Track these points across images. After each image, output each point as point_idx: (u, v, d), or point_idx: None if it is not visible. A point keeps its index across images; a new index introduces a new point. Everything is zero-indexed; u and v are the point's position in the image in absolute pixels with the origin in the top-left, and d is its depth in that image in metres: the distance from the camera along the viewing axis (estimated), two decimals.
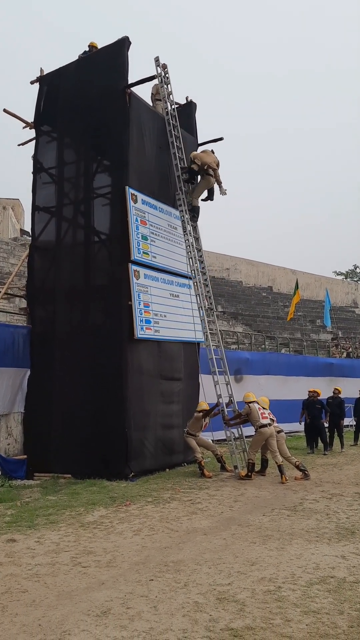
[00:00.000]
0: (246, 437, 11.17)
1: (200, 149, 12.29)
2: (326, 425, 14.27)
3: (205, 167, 11.31)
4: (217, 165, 11.57)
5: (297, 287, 21.58)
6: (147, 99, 11.85)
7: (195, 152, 11.63)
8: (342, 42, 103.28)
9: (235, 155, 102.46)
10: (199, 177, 11.61)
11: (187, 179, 11.65)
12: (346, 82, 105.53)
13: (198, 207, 11.89)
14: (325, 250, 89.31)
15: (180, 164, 11.62)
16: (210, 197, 11.94)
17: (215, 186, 11.77)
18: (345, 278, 51.49)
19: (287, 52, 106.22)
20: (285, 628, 3.73)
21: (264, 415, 9.91)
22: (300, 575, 4.80)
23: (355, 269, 54.56)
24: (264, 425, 9.80)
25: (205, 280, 11.61)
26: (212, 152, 11.81)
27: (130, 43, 10.68)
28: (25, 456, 10.62)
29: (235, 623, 3.83)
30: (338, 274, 53.17)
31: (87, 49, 11.69)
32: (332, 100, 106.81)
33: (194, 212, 11.78)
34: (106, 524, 6.76)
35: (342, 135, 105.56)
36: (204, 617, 3.94)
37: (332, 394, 14.81)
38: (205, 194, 11.87)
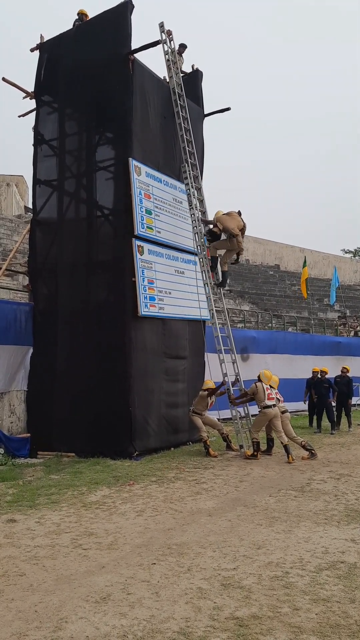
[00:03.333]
0: (252, 415, 10.99)
1: (224, 208, 11.13)
2: (333, 404, 14.09)
3: (229, 232, 10.54)
4: (243, 229, 10.75)
5: (305, 264, 21.18)
6: (151, 66, 11.35)
7: (219, 215, 10.76)
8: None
9: (242, 130, 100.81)
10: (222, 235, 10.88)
11: (208, 237, 10.96)
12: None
13: (217, 258, 11.13)
14: (333, 229, 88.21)
15: (186, 136, 11.20)
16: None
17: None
18: (354, 256, 50.73)
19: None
20: (293, 617, 3.54)
21: (270, 396, 9.69)
22: (308, 560, 4.61)
23: None
24: (269, 406, 9.61)
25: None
26: (239, 213, 10.93)
27: (133, 6, 10.22)
28: (28, 434, 10.50)
29: (241, 611, 3.64)
30: (346, 252, 52.41)
31: (77, 17, 11.20)
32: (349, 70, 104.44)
33: (213, 262, 11.08)
34: (109, 504, 6.60)
35: (353, 107, 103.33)
36: (208, 605, 3.75)
37: (340, 373, 14.59)
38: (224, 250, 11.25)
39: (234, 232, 10.54)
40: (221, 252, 11.22)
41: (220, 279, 11.22)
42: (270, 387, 9.91)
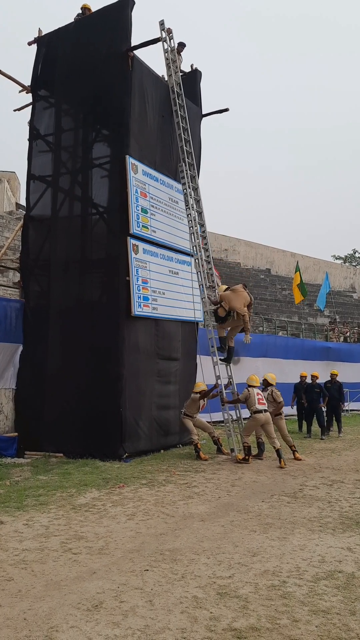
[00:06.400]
0: (244, 419, 10.89)
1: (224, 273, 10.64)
2: (324, 409, 14.06)
3: (235, 312, 10.09)
4: (249, 305, 10.23)
5: (297, 269, 21.14)
6: (150, 64, 11.23)
7: (224, 292, 10.39)
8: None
9: (236, 134, 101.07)
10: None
11: (213, 314, 10.58)
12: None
13: (225, 338, 10.64)
14: (325, 234, 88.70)
15: (184, 135, 11.10)
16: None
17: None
18: (344, 262, 51.03)
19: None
20: (293, 630, 3.42)
21: (260, 401, 9.60)
22: (305, 568, 4.50)
23: (355, 253, 54.09)
24: (259, 411, 9.53)
25: (208, 257, 11.18)
26: (245, 287, 10.46)
27: (134, 3, 10.10)
28: (16, 434, 10.30)
29: (239, 622, 3.51)
30: (337, 258, 52.72)
31: (80, 12, 11.06)
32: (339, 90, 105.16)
33: (222, 343, 10.61)
34: (99, 506, 6.45)
35: (344, 116, 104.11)
36: (204, 615, 3.62)
37: (329, 379, 14.57)
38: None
39: (240, 312, 10.04)
40: (228, 329, 10.73)
41: (226, 354, 10.63)
42: (268, 386, 9.86)
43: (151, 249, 10.56)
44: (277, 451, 9.39)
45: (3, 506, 6.39)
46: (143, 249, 10.28)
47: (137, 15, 10.22)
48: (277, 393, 10.23)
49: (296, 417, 14.67)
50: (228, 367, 10.82)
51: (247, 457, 9.56)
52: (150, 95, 10.59)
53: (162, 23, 11.08)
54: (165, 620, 3.54)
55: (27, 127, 11.33)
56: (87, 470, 8.49)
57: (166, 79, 11.37)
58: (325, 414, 13.99)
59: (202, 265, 10.84)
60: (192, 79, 12.63)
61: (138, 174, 10.21)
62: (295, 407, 14.42)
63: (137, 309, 9.85)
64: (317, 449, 11.56)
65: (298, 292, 21.52)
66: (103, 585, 4.15)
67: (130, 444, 9.63)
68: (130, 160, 9.95)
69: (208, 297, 10.70)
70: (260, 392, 9.77)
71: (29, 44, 11.40)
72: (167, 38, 11.15)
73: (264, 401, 9.68)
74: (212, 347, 10.49)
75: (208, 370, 10.66)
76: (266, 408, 9.62)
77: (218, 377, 10.32)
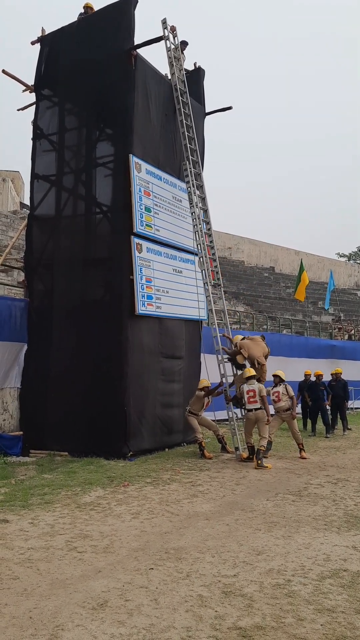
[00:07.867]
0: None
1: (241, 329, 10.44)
2: (328, 407, 14.05)
3: (254, 360, 10.12)
4: (266, 355, 10.37)
5: (302, 268, 21.03)
6: (153, 62, 11.22)
7: (242, 341, 10.44)
8: None
9: (240, 131, 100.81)
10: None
11: (230, 362, 10.55)
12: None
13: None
14: (329, 232, 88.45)
15: (188, 133, 11.08)
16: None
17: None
18: (349, 260, 50.90)
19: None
20: (298, 628, 3.42)
21: (251, 400, 9.55)
22: (310, 567, 4.50)
23: (359, 251, 53.92)
24: (249, 410, 9.53)
25: (213, 254, 11.17)
26: (263, 338, 10.62)
27: (137, 1, 10.08)
28: (21, 432, 10.34)
29: (244, 621, 3.51)
30: (341, 256, 52.57)
31: (83, 11, 11.05)
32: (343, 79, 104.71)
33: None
34: (103, 505, 6.47)
35: (348, 114, 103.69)
36: (209, 614, 3.62)
37: (335, 377, 14.54)
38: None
39: (260, 360, 10.05)
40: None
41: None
42: (281, 382, 9.99)
43: (155, 248, 10.57)
44: (257, 451, 9.21)
45: (8, 505, 6.41)
46: (147, 247, 10.28)
47: (140, 13, 10.23)
48: (290, 388, 10.22)
49: (300, 416, 14.66)
50: (233, 365, 10.81)
51: (251, 457, 9.55)
52: (153, 93, 10.58)
53: (164, 21, 11.07)
54: (170, 619, 3.55)
55: (31, 127, 11.35)
56: (91, 468, 8.51)
57: (169, 77, 11.36)
58: (329, 412, 13.98)
59: (207, 263, 10.82)
60: (196, 77, 12.61)
61: (141, 172, 10.21)
62: (299, 405, 14.41)
63: (141, 308, 9.85)
64: (321, 447, 11.56)
65: (303, 290, 21.38)
66: (108, 583, 4.16)
67: (134, 443, 9.64)
68: (133, 159, 9.94)
69: (223, 349, 10.54)
70: (253, 389, 9.65)
71: (32, 43, 11.40)
72: (170, 36, 11.13)
73: (255, 399, 9.56)
74: (217, 345, 10.48)
75: (212, 369, 10.66)
76: (257, 406, 9.54)
77: (223, 375, 10.31)
